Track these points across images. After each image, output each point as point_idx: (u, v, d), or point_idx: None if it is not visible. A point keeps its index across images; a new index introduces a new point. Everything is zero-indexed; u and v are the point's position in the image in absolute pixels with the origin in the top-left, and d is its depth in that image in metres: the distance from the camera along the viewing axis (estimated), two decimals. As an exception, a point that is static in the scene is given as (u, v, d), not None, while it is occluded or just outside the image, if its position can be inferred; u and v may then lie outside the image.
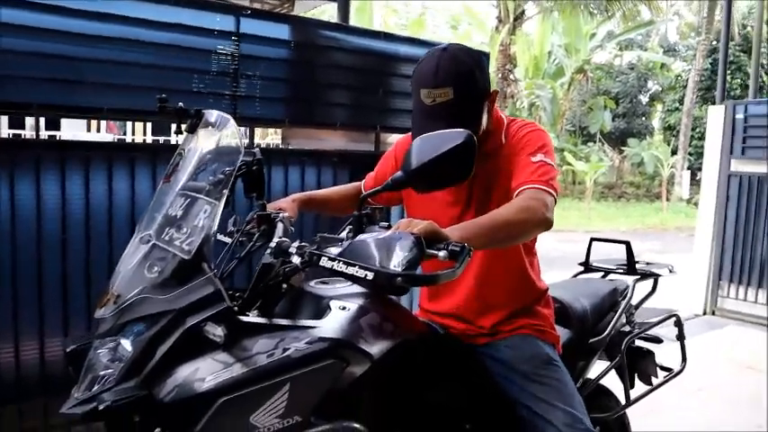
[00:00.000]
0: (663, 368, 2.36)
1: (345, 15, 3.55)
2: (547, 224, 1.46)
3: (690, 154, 21.55)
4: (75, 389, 1.25)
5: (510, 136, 1.69)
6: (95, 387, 1.22)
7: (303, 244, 1.37)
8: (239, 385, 1.21)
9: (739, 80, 20.86)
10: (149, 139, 10.22)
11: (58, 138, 9.46)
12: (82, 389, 1.23)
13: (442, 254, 1.15)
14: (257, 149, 1.58)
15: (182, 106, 1.51)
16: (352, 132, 3.38)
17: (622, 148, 23.71)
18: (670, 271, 2.41)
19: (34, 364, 2.51)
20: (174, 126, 1.61)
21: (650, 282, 2.41)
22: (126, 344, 1.25)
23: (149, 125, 9.10)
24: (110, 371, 1.23)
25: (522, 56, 18.29)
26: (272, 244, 1.41)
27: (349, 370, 1.32)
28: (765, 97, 16.95)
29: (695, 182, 21.89)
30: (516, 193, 1.53)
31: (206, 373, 1.21)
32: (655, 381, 2.34)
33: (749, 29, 19.38)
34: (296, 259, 1.34)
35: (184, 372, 1.22)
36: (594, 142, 23.68)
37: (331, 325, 1.36)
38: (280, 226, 1.52)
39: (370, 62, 3.33)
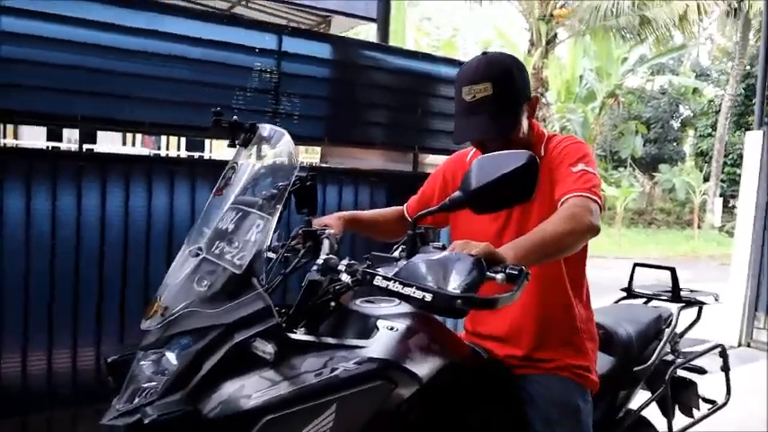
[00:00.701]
0: (705, 400, 2.29)
1: (385, 35, 3.57)
2: (594, 230, 1.45)
3: (722, 181, 21.20)
4: (116, 400, 1.23)
5: (550, 150, 1.69)
6: (137, 399, 1.20)
7: (352, 262, 1.35)
8: (286, 404, 1.18)
9: (774, 107, 20.49)
10: (184, 154, 10.35)
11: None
12: (123, 400, 1.22)
13: (499, 276, 1.13)
14: (310, 165, 1.59)
15: (236, 120, 1.51)
16: (390, 152, 3.38)
17: (653, 173, 23.44)
18: (716, 299, 2.35)
19: (66, 373, 2.52)
20: (222, 140, 1.62)
21: (694, 310, 2.34)
22: (171, 357, 1.24)
23: (183, 140, 9.24)
24: (153, 383, 1.21)
25: (554, 80, 18.23)
26: (320, 261, 1.39)
27: (397, 392, 1.30)
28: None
29: (727, 209, 21.53)
30: (560, 203, 1.52)
31: (252, 389, 1.19)
32: (696, 413, 2.28)
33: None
34: (345, 277, 1.32)
35: (230, 388, 1.19)
36: (625, 167, 23.44)
37: (380, 345, 1.33)
38: (326, 243, 1.50)
39: (409, 82, 3.34)
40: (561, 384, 1.68)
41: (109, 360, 1.35)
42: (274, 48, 2.86)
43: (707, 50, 26.32)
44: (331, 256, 1.41)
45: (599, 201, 1.52)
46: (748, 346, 6.13)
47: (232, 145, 1.54)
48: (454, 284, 1.08)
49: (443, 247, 1.26)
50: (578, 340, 1.74)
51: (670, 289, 2.33)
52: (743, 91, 20.66)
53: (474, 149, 1.86)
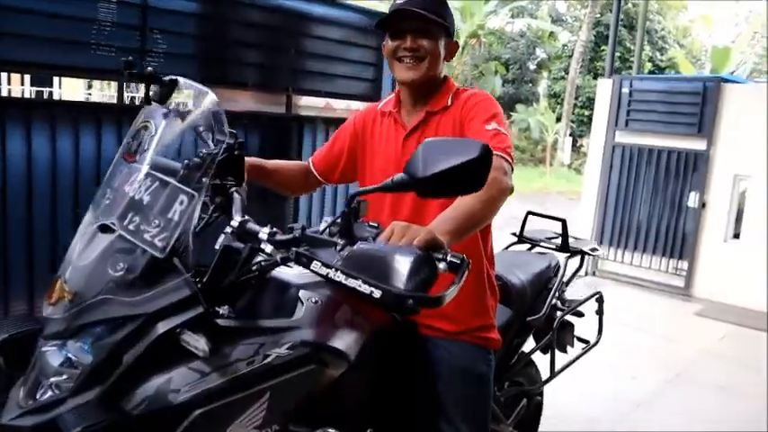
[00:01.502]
0: (580, 339, 2.45)
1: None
2: (511, 191, 1.49)
3: (572, 121, 22.68)
4: (14, 390, 1.12)
5: (460, 101, 1.73)
6: (44, 394, 1.09)
7: (274, 231, 1.26)
8: (217, 396, 1.12)
9: (619, 54, 22.04)
10: (27, 91, 9.35)
11: None
12: (24, 394, 1.11)
13: (441, 266, 1.11)
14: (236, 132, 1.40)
15: (152, 72, 1.34)
16: (263, 94, 3.28)
17: (511, 113, 24.56)
18: (596, 250, 2.50)
19: None
20: (134, 90, 1.44)
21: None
22: (83, 348, 1.13)
23: (27, 77, 8.36)
24: (63, 377, 1.10)
25: (421, 18, 18.37)
26: (234, 222, 1.29)
27: (327, 372, 1.28)
28: (646, 72, 18.15)
29: (576, 148, 23.15)
30: None
31: (180, 383, 1.11)
32: (570, 349, 2.42)
33: (629, 5, 20.43)
34: (271, 251, 1.23)
35: (156, 382, 1.10)
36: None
37: (309, 324, 1.29)
38: (236, 199, 1.38)
39: (283, 21, 3.23)
40: (464, 351, 1.71)
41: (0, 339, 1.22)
42: (139, -21, 2.65)
43: (563, -4, 27.53)
44: (247, 218, 1.31)
45: (511, 161, 1.56)
46: (594, 275, 6.77)
47: (147, 102, 1.35)
48: (404, 281, 1.04)
49: (378, 227, 1.21)
50: (484, 298, 1.78)
51: (557, 235, 2.43)
52: (593, 38, 21.97)
53: (385, 101, 1.88)
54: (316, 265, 1.11)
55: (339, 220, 1.21)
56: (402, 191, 1.22)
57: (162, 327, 1.14)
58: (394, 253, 1.07)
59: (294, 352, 1.22)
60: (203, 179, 1.23)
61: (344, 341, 1.32)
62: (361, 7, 3.64)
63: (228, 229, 1.29)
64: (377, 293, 1.02)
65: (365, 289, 1.03)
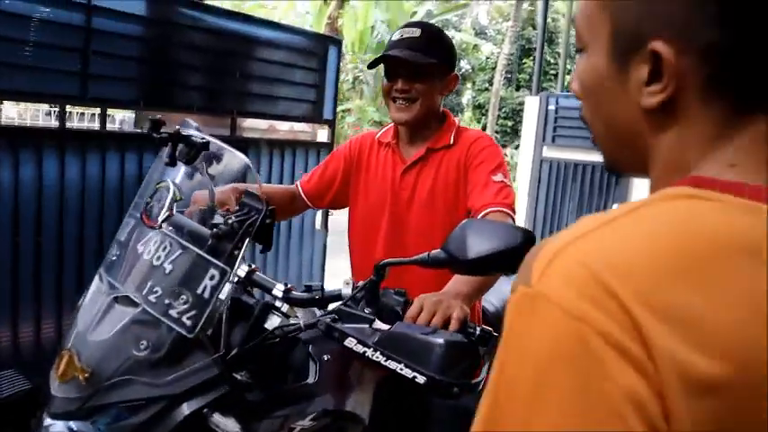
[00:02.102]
0: None
1: (200, -9, 3.38)
2: None
3: (497, 132, 23.29)
4: None
5: (464, 143, 1.80)
6: None
7: (289, 287, 1.23)
8: None
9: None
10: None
11: None
12: None
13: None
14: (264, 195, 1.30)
15: (181, 132, 1.27)
16: (208, 116, 3.26)
17: (437, 123, 24.98)
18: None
19: None
20: (166, 154, 1.29)
21: None
22: (97, 430, 1.07)
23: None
24: None
25: (349, 30, 18.44)
26: (241, 273, 1.25)
27: None
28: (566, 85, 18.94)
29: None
30: (482, 214, 1.60)
31: None
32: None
33: (550, 20, 21.24)
34: (290, 313, 1.21)
35: None
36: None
37: (326, 388, 1.28)
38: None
39: (228, 44, 3.22)
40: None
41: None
42: (83, 0, 2.58)
43: (486, 10, 28.29)
44: (254, 266, 1.27)
45: (514, 216, 1.61)
46: (524, 285, 6.99)
47: (172, 163, 1.27)
48: (446, 368, 1.04)
49: (404, 295, 1.20)
50: None
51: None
52: (516, 51, 22.68)
53: (383, 130, 1.94)
54: (350, 342, 1.10)
55: (366, 287, 1.19)
56: (438, 267, 1.20)
57: (188, 408, 1.08)
58: (435, 338, 1.07)
59: (317, 423, 1.21)
60: (236, 252, 1.16)
61: (359, 402, 1.33)
62: (303, 30, 3.69)
63: (234, 278, 1.23)
64: (420, 379, 1.03)
65: (407, 373, 1.04)
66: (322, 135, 3.93)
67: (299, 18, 22.16)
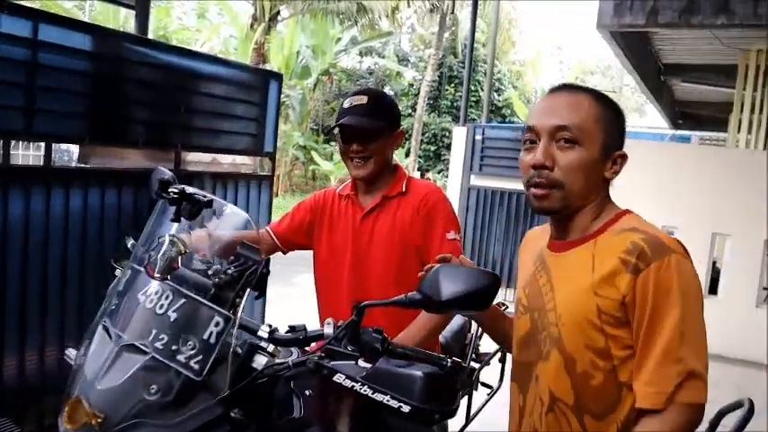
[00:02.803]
0: (483, 384, 2.64)
1: (144, 26, 3.37)
2: None
3: (420, 156, 23.76)
4: None
5: (416, 190, 2.06)
6: None
7: (274, 328, 1.32)
8: None
9: (461, 93, 23.52)
10: None
11: None
12: None
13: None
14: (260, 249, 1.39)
15: (186, 190, 1.36)
16: (152, 151, 3.24)
17: (362, 147, 25.17)
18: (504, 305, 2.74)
19: None
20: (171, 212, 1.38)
21: None
22: None
23: None
24: None
25: (276, 56, 18.47)
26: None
27: None
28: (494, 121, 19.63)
29: (422, 177, 24.22)
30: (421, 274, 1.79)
31: None
32: (475, 393, 2.60)
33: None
34: (276, 353, 1.29)
35: None
36: (336, 142, 24.81)
37: (313, 420, 1.37)
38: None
39: (172, 78, 3.23)
40: None
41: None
42: (28, 36, 2.55)
43: (408, 38, 28.95)
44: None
45: None
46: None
47: (177, 220, 1.35)
48: (429, 399, 1.17)
49: (382, 333, 1.29)
50: None
51: None
52: (438, 78, 23.28)
53: (343, 185, 2.18)
54: (339, 377, 1.20)
55: (348, 326, 1.28)
56: (414, 308, 1.32)
57: None
58: (415, 371, 1.20)
59: None
60: (237, 300, 1.25)
61: (342, 429, 1.44)
62: (245, 65, 3.74)
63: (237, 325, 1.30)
64: (406, 409, 1.15)
65: (393, 403, 1.15)
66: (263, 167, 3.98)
67: (222, 43, 22.02)
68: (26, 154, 7.84)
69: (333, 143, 24.72)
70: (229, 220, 1.49)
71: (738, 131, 8.97)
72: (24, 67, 2.55)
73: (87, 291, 2.86)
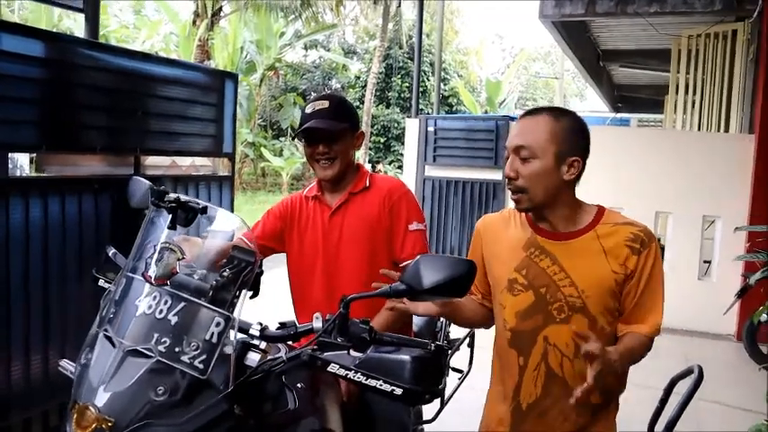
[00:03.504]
0: (454, 369, 2.76)
1: (94, 29, 3.32)
2: None
3: (370, 148, 23.84)
4: None
5: (378, 184, 2.18)
6: None
7: (265, 325, 1.37)
8: None
9: (408, 84, 23.76)
10: None
11: None
12: None
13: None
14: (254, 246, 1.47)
15: (181, 198, 1.41)
16: (110, 156, 3.21)
17: (311, 141, 25.06)
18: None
19: None
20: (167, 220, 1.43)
21: None
22: None
23: None
24: None
25: (220, 52, 18.24)
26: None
27: None
28: (442, 112, 19.85)
29: (375, 173, 24.33)
30: (404, 264, 1.97)
31: None
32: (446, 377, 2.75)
33: (414, 39, 22.10)
34: (268, 349, 1.35)
35: None
36: (285, 137, 24.71)
37: (308, 412, 1.44)
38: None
39: (128, 82, 3.20)
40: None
41: None
42: (-22, 45, 2.50)
43: (352, 30, 28.91)
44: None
45: None
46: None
47: (173, 227, 1.40)
48: (419, 381, 1.23)
49: (368, 323, 1.36)
50: None
51: None
52: (384, 70, 23.37)
53: (309, 188, 2.26)
54: (333, 367, 1.27)
55: (336, 320, 1.35)
56: (398, 297, 1.44)
57: None
58: (403, 355, 1.27)
59: None
60: (234, 301, 1.30)
61: (333, 417, 1.51)
62: (201, 66, 3.73)
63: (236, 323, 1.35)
64: (398, 391, 1.22)
65: (386, 387, 1.22)
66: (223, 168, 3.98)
67: (163, 40, 21.56)
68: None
69: (282, 139, 24.65)
70: (223, 223, 1.53)
71: (675, 113, 9.35)
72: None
73: (51, 301, 2.83)
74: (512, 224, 1.82)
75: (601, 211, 1.75)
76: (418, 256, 1.43)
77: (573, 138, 1.68)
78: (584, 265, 1.68)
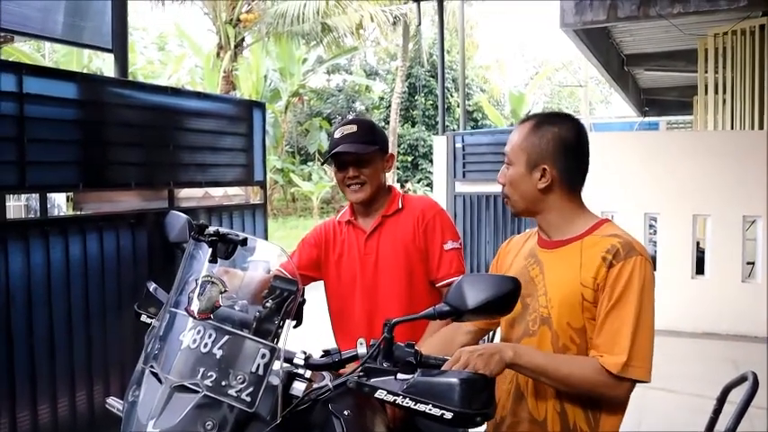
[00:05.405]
0: None
1: (124, 68, 3.40)
2: None
3: (398, 168, 23.90)
4: None
5: (412, 205, 2.18)
6: None
7: (308, 354, 1.37)
8: None
9: (431, 101, 23.82)
10: None
11: None
12: None
13: None
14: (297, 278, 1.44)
15: (221, 231, 1.41)
16: (145, 191, 3.27)
17: (339, 164, 25.19)
18: None
19: None
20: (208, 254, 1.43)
21: None
22: None
23: None
24: None
25: (245, 82, 18.52)
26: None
27: None
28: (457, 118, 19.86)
29: (405, 192, 24.36)
30: (443, 283, 2.06)
31: None
32: None
33: (435, 57, 22.19)
34: (314, 378, 1.35)
35: None
36: (313, 161, 24.93)
37: None
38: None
39: (159, 118, 3.27)
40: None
41: None
42: (14, 89, 2.57)
43: (373, 51, 29.14)
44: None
45: None
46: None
47: (214, 260, 1.39)
48: (469, 403, 1.20)
49: (413, 347, 1.35)
50: None
51: None
52: (407, 89, 23.49)
53: (342, 213, 2.26)
54: (381, 393, 1.24)
55: (381, 344, 1.33)
56: (443, 319, 1.42)
57: None
58: (451, 378, 1.24)
59: None
60: (279, 332, 1.30)
61: None
62: (229, 97, 3.79)
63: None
64: (448, 415, 1.19)
65: (436, 412, 1.19)
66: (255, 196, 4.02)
67: (189, 73, 22.02)
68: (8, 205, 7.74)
69: (310, 163, 24.86)
70: (263, 253, 1.53)
71: (706, 113, 9.19)
72: (12, 120, 2.57)
73: (94, 338, 2.86)
74: (531, 237, 1.78)
75: (600, 222, 1.64)
76: (461, 276, 1.42)
77: (547, 146, 1.61)
78: (558, 276, 1.59)
